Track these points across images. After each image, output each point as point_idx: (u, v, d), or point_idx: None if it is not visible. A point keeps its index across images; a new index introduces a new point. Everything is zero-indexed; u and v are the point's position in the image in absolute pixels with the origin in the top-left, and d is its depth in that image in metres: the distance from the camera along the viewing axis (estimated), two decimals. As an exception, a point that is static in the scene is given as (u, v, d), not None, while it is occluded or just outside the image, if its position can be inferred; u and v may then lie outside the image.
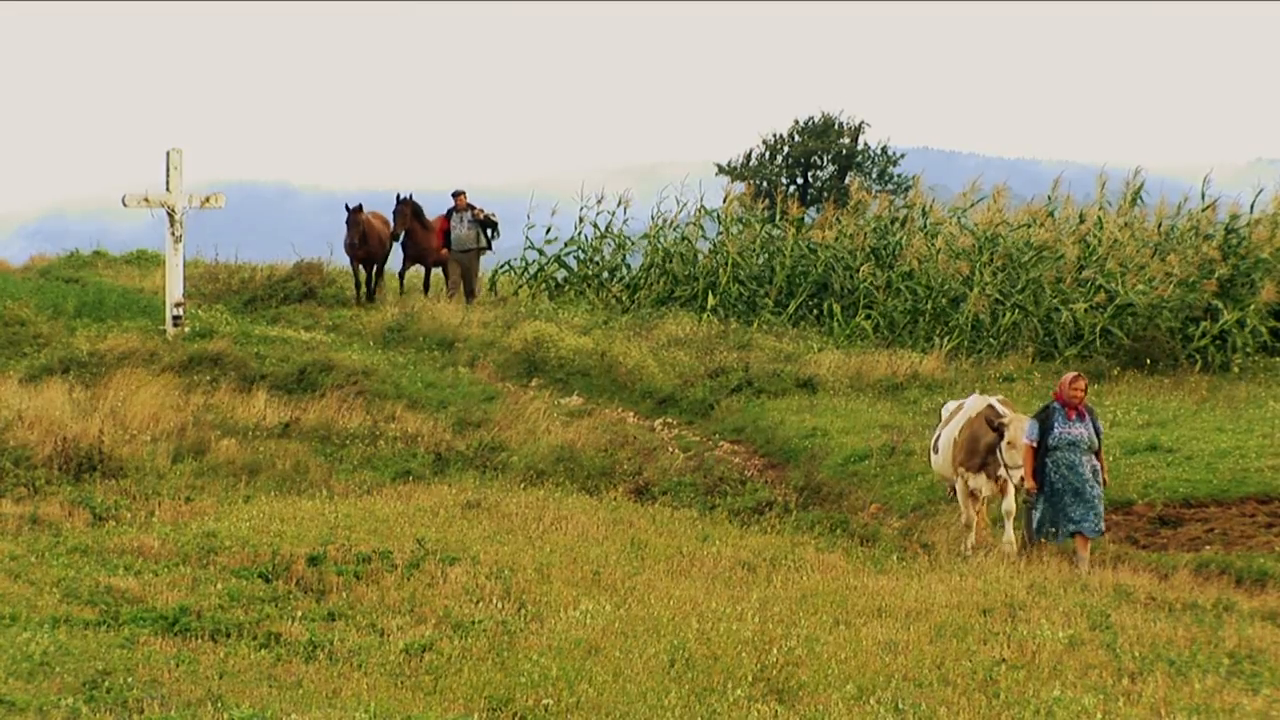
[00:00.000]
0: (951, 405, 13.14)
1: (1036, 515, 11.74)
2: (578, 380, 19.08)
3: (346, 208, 23.29)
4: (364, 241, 23.17)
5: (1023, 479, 11.58)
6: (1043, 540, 11.74)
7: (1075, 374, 11.99)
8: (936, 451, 12.69)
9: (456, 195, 24.00)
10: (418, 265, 25.02)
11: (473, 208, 23.85)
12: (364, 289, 23.90)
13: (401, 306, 23.19)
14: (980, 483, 12.06)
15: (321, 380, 17.36)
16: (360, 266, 23.79)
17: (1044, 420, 11.63)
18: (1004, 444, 11.64)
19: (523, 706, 7.37)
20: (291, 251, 25.72)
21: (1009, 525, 12.00)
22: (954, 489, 12.65)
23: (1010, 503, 12.02)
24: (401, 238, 23.56)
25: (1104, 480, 11.80)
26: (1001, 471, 11.74)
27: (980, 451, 11.92)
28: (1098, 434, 11.73)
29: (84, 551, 10.07)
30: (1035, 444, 11.57)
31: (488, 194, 24.79)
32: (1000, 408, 12.03)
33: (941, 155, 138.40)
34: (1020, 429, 11.62)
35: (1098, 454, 11.72)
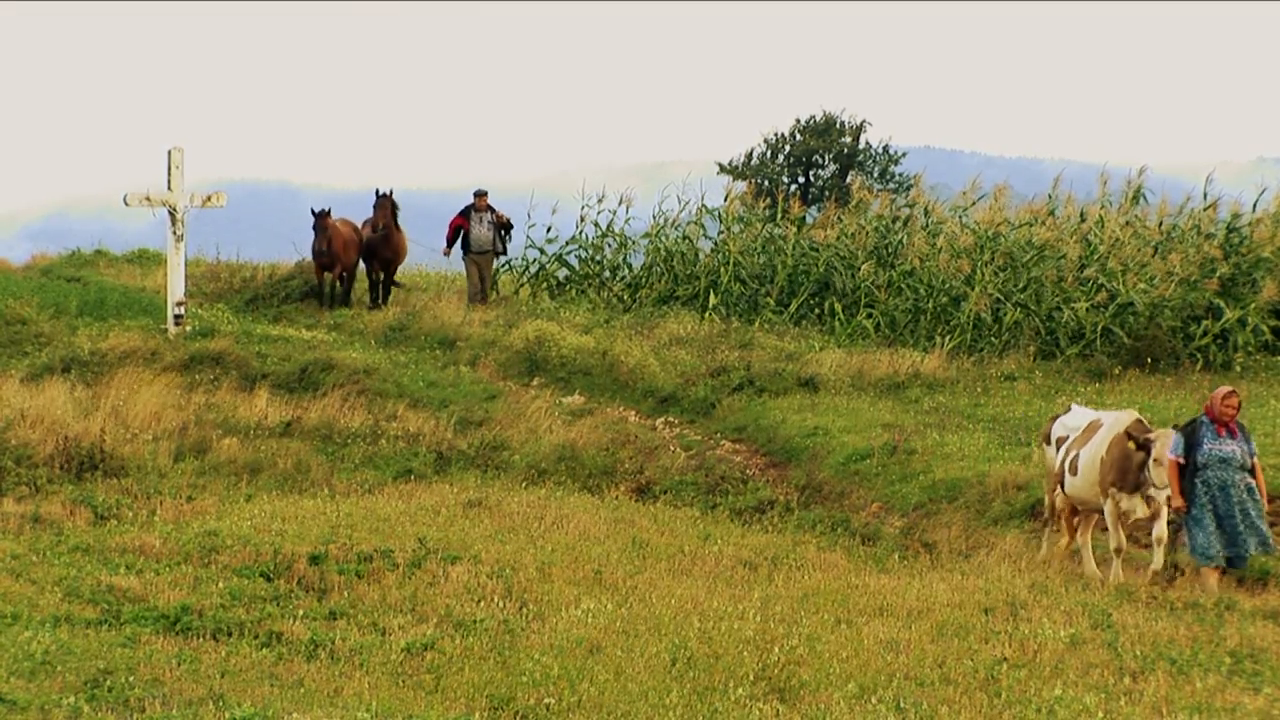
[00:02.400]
0: (1069, 420, 12.21)
1: (1198, 539, 10.98)
2: (579, 379, 19.08)
3: (312, 211, 22.98)
4: (329, 248, 22.90)
5: (1169, 498, 10.96)
6: (1220, 569, 10.95)
7: (1229, 389, 11.29)
8: (1075, 473, 11.61)
9: (479, 195, 23.55)
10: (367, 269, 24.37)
11: (493, 209, 23.52)
12: (333, 296, 23.53)
13: (403, 306, 23.17)
14: (1134, 504, 11.20)
15: (323, 379, 17.38)
16: (326, 274, 23.44)
17: (1190, 436, 10.99)
18: (1150, 461, 10.98)
19: (524, 705, 7.38)
20: (293, 251, 25.67)
21: (1159, 552, 11.17)
22: (1058, 510, 12.04)
23: (1161, 528, 11.22)
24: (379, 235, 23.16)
25: (1263, 498, 11.13)
26: (1153, 491, 11.04)
27: (1134, 470, 11.11)
28: (1250, 450, 11.09)
29: (85, 550, 10.08)
30: (1181, 460, 10.94)
31: (490, 193, 24.62)
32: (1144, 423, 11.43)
33: (943, 154, 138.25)
34: (1165, 445, 10.94)
35: (1252, 471, 11.05)
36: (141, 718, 6.77)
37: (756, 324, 22.30)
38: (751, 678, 7.80)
